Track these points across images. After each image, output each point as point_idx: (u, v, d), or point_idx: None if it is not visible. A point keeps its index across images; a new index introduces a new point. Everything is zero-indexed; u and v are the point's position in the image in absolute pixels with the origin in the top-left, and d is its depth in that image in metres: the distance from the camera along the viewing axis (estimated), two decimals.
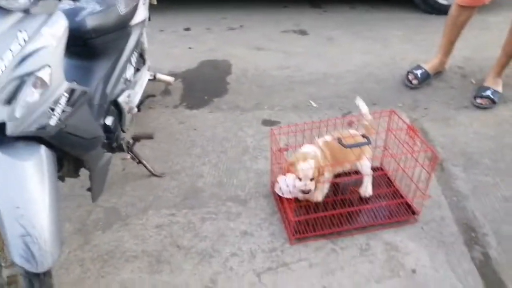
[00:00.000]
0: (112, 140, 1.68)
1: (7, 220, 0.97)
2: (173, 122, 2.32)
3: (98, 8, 1.59)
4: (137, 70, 2.04)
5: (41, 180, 1.04)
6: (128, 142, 1.82)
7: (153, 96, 2.28)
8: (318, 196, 1.67)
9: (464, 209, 1.73)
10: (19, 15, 1.05)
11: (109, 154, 1.57)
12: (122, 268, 1.50)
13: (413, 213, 1.68)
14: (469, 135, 2.16)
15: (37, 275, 1.01)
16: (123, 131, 1.82)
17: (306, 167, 1.50)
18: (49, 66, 1.08)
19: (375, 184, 1.79)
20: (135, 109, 1.93)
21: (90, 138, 1.33)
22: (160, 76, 2.25)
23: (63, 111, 1.13)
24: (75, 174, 1.47)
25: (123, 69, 1.78)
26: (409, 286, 1.43)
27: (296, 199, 1.69)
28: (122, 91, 1.79)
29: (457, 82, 2.59)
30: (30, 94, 1.03)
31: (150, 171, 1.92)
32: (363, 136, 1.59)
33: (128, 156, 1.79)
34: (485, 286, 1.43)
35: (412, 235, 1.62)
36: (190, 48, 3.06)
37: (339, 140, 1.54)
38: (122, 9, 1.72)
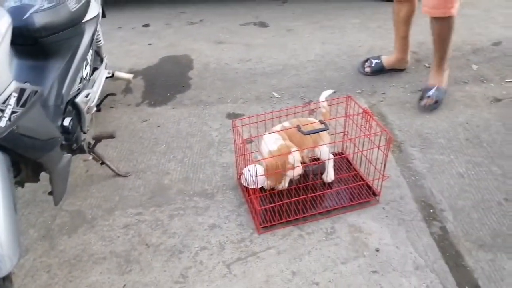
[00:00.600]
0: (71, 141, 1.63)
1: None
2: (135, 120, 2.29)
3: (46, 4, 1.54)
4: (94, 68, 2.00)
5: None
6: (89, 143, 1.79)
7: (114, 94, 2.24)
8: (284, 183, 1.70)
9: (422, 187, 1.82)
10: None
11: (69, 155, 1.54)
12: (90, 271, 1.48)
13: (374, 194, 1.75)
14: (424, 117, 2.25)
15: None
16: (84, 132, 1.77)
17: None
18: None
19: (336, 169, 1.84)
20: (94, 109, 1.89)
21: (46, 139, 1.30)
22: (118, 74, 2.21)
23: (13, 112, 1.10)
24: (35, 178, 1.44)
25: (79, 68, 1.74)
26: (374, 265, 1.49)
27: (262, 189, 1.72)
28: (79, 90, 1.75)
29: (411, 66, 2.69)
30: None
31: (114, 171, 1.89)
32: (321, 122, 1.63)
33: (90, 157, 1.75)
34: (443, 258, 1.51)
35: (374, 215, 1.69)
36: (150, 44, 3.01)
37: (298, 128, 1.57)
38: (73, 5, 1.67)
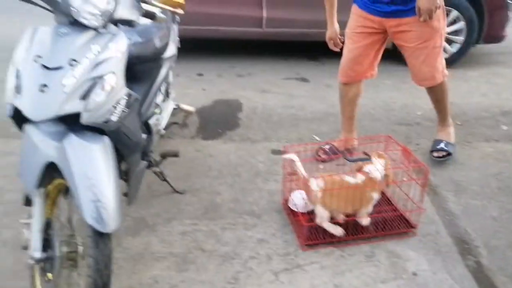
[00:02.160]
0: (143, 155, 1.89)
1: (81, 189, 1.17)
2: (190, 150, 2.54)
3: (140, 40, 1.88)
4: (163, 100, 2.31)
5: (106, 161, 1.26)
6: (155, 160, 2.04)
7: (177, 123, 2.53)
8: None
9: (456, 226, 1.93)
10: (93, 32, 1.34)
11: (145, 162, 1.78)
12: (152, 266, 1.65)
13: (411, 226, 1.88)
14: (457, 166, 2.41)
15: (102, 236, 1.18)
16: (151, 151, 2.03)
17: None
18: (114, 73, 1.33)
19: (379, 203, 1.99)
20: (162, 132, 2.16)
21: (135, 141, 1.55)
22: (183, 106, 2.52)
23: (122, 111, 1.37)
24: None
25: (155, 94, 2.05)
26: (412, 286, 1.59)
27: (308, 213, 1.89)
28: (153, 114, 2.04)
29: None
30: (99, 92, 1.28)
31: (173, 188, 2.11)
32: (364, 153, 1.82)
33: (158, 170, 1.98)
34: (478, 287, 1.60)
35: (412, 245, 1.80)
36: (203, 89, 3.37)
37: (344, 155, 1.77)
38: (157, 43, 2.02)
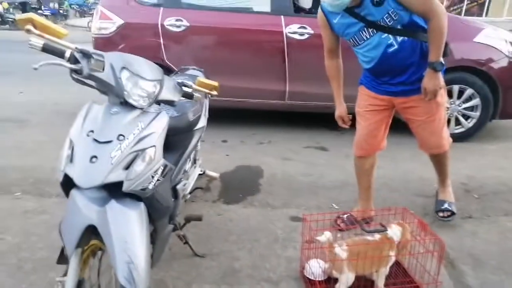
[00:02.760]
0: (170, 219, 2.01)
1: (117, 250, 1.29)
2: (212, 213, 2.66)
3: (175, 114, 2.10)
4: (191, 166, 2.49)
5: (141, 226, 1.39)
6: (179, 223, 2.16)
7: (201, 188, 2.67)
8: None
9: None
10: (139, 111, 1.54)
11: (171, 226, 1.90)
12: None
13: None
14: (475, 240, 2.42)
15: None
16: (176, 215, 2.16)
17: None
18: (155, 146, 1.51)
19: (393, 275, 2.01)
20: (188, 196, 2.31)
21: (166, 206, 1.68)
22: (208, 172, 2.69)
23: (158, 179, 1.52)
24: None
25: (185, 162, 2.22)
26: None
27: (325, 281, 1.92)
28: (181, 180, 2.20)
29: (461, 196, 2.94)
30: (140, 163, 1.45)
31: (193, 251, 2.20)
32: (381, 224, 1.89)
33: (182, 233, 2.09)
34: None
35: None
36: (227, 155, 3.57)
37: (361, 225, 1.85)
38: (191, 116, 2.24)
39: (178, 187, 2.15)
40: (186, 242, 2.19)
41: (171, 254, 2.21)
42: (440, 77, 2.13)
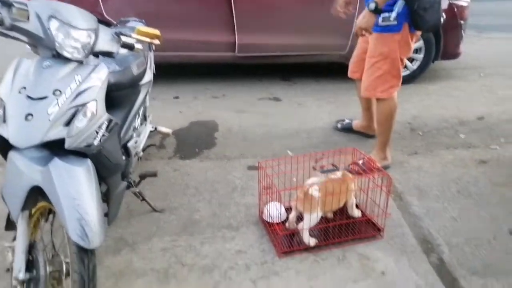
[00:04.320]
0: (123, 176, 1.97)
1: (66, 208, 1.25)
2: (168, 170, 2.63)
3: (118, 68, 1.99)
4: (141, 123, 2.41)
5: (90, 182, 1.34)
6: (134, 181, 2.12)
7: (154, 145, 2.61)
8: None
9: (420, 227, 2.08)
10: (75, 64, 1.44)
11: (125, 183, 1.85)
12: (134, 282, 1.71)
13: (379, 230, 2.01)
14: (420, 174, 2.59)
15: (87, 252, 1.25)
16: (129, 173, 2.12)
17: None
18: (96, 101, 1.43)
19: (344, 210, 2.12)
20: (141, 154, 2.25)
21: (116, 163, 1.63)
22: (160, 128, 2.62)
23: (103, 135, 1.46)
24: None
25: (133, 119, 2.14)
26: (381, 285, 1.71)
27: (282, 223, 2.00)
28: (131, 137, 2.14)
29: (407, 134, 3.11)
30: (82, 119, 1.38)
31: (152, 206, 2.18)
32: (333, 165, 1.97)
33: (137, 190, 2.06)
34: (442, 282, 1.73)
35: (380, 247, 1.93)
36: (180, 112, 3.49)
37: (314, 168, 1.91)
38: (135, 70, 2.13)
39: (129, 144, 2.09)
40: (143, 199, 2.16)
41: (128, 212, 2.18)
42: (371, 18, 2.18)
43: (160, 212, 2.19)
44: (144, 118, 2.57)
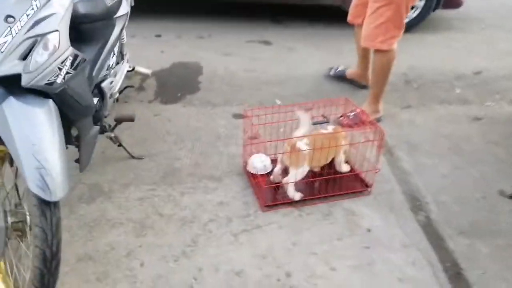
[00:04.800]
0: (97, 119, 1.80)
1: (24, 155, 1.10)
2: (148, 114, 2.46)
3: None
4: (117, 62, 2.19)
5: (51, 125, 1.18)
6: (109, 125, 1.96)
7: (132, 86, 2.42)
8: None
9: (409, 184, 2.01)
10: None
11: (97, 127, 1.70)
12: (109, 232, 1.61)
13: (367, 186, 1.94)
14: (412, 128, 2.49)
15: (49, 205, 1.13)
16: (105, 116, 1.95)
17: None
18: (58, 31, 1.23)
19: (332, 164, 2.02)
20: (117, 95, 2.06)
21: (85, 105, 1.46)
22: (138, 68, 2.41)
23: (67, 72, 1.28)
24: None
25: (107, 56, 1.93)
26: (366, 242, 1.66)
27: (267, 175, 1.90)
28: (106, 77, 1.94)
29: (401, 86, 2.97)
30: (41, 52, 1.18)
31: (129, 153, 2.05)
32: (323, 116, 1.84)
33: (112, 135, 1.91)
34: (428, 240, 1.69)
35: (367, 203, 1.87)
36: (162, 51, 3.24)
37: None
38: (109, 0, 1.88)
39: (104, 85, 1.89)
40: (120, 145, 2.02)
41: (105, 158, 2.05)
42: None
43: (138, 159, 2.06)
44: (122, 56, 2.35)
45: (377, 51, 2.34)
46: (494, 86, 3.03)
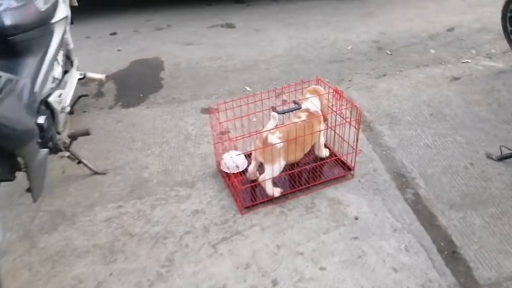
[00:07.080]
0: (46, 140, 1.62)
1: None
2: (110, 122, 2.28)
3: (14, 4, 1.54)
4: (65, 71, 2.00)
5: None
6: (64, 143, 1.78)
7: (86, 95, 2.23)
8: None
9: (393, 160, 1.90)
10: None
11: (46, 150, 1.52)
12: (74, 264, 1.46)
13: (349, 169, 1.82)
14: (390, 98, 2.37)
15: None
16: (58, 133, 1.77)
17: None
18: None
19: (311, 151, 1.89)
20: (68, 109, 1.88)
21: (22, 130, 1.29)
22: (90, 74, 2.21)
23: None
24: (10, 175, 1.41)
25: (50, 67, 1.74)
26: (354, 232, 1.55)
27: (242, 173, 1.76)
28: (52, 90, 1.75)
29: (374, 54, 2.83)
30: None
31: (91, 169, 1.88)
32: (294, 102, 1.68)
33: (67, 154, 1.74)
34: (419, 220, 1.59)
35: (351, 188, 1.75)
36: (119, 50, 3.02)
37: (273, 108, 1.62)
38: (41, 5, 1.68)
39: (51, 99, 1.71)
40: (80, 161, 1.85)
41: (64, 179, 1.88)
42: None
43: (102, 174, 1.89)
44: (71, 63, 2.16)
45: None
46: (468, 41, 2.92)
